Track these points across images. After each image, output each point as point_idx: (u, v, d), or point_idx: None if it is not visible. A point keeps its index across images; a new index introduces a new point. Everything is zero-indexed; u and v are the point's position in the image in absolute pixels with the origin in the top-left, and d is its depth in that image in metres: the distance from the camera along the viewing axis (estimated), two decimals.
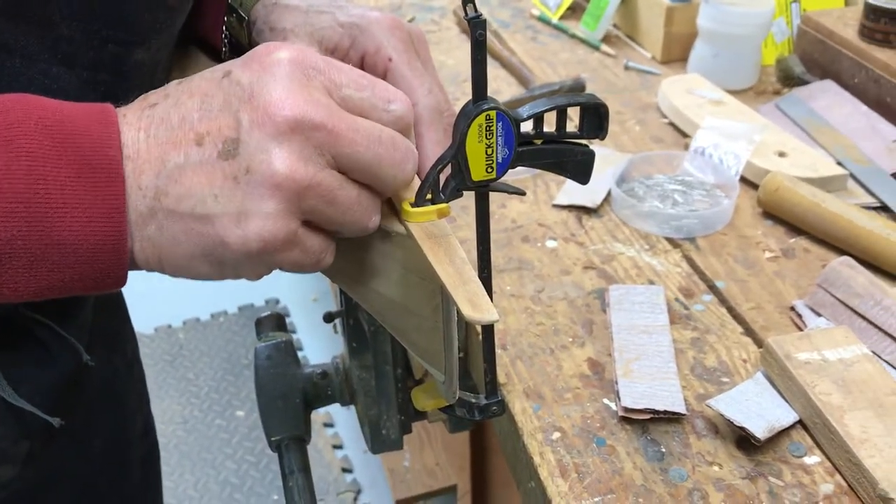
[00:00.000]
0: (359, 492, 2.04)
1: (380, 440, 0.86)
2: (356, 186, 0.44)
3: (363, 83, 0.44)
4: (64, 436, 0.70)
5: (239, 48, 0.63)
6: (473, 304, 0.42)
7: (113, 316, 0.82)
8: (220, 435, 2.17)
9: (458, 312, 0.42)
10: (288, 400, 0.88)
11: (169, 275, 0.45)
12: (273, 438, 0.88)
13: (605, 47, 1.22)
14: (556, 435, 0.63)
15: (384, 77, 0.56)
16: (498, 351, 0.69)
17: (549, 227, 0.85)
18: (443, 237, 0.47)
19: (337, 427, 2.20)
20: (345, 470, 2.09)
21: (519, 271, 0.79)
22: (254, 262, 0.44)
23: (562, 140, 0.50)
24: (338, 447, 2.15)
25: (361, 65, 0.57)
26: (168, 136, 0.42)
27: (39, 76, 0.49)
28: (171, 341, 2.46)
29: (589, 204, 0.88)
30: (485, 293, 0.43)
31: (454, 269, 0.44)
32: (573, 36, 1.27)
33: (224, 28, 0.63)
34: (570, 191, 0.90)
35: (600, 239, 0.84)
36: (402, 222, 0.49)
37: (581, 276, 0.79)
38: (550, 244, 0.83)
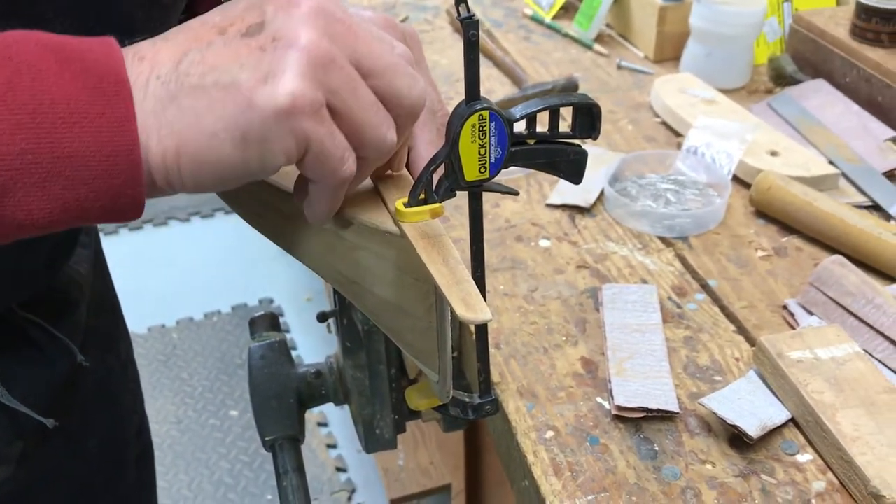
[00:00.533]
0: (353, 491, 2.04)
1: (374, 439, 0.86)
2: (373, 78, 0.43)
3: (381, 35, 0.45)
4: (58, 436, 0.70)
5: None
6: (467, 304, 0.42)
7: (106, 316, 0.82)
8: (214, 435, 2.17)
9: (452, 312, 0.42)
10: (282, 399, 0.88)
11: (186, 176, 0.42)
12: (267, 438, 0.88)
13: (597, 47, 1.23)
14: (550, 434, 0.63)
15: None
16: (491, 350, 0.69)
17: (543, 227, 0.86)
18: (436, 237, 0.47)
19: (331, 426, 2.19)
20: (339, 469, 2.09)
21: (512, 271, 0.80)
22: (282, 128, 0.41)
23: (554, 140, 0.50)
24: (332, 447, 2.15)
25: None
26: (188, 35, 0.42)
27: None
28: (165, 341, 2.46)
29: (582, 203, 0.88)
30: (478, 293, 0.43)
31: (448, 268, 0.44)
32: (566, 35, 1.27)
33: None
34: (563, 190, 0.90)
35: (593, 238, 0.84)
36: (396, 222, 0.49)
37: (574, 276, 0.79)
38: (544, 243, 0.83)
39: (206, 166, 0.41)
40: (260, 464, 2.09)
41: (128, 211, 0.42)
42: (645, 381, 0.66)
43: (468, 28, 0.45)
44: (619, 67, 1.18)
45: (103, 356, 0.79)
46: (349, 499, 2.03)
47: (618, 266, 0.80)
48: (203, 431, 2.18)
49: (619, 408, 0.64)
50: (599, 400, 0.66)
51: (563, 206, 0.88)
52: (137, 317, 0.86)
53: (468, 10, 0.45)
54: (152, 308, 2.51)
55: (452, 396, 0.56)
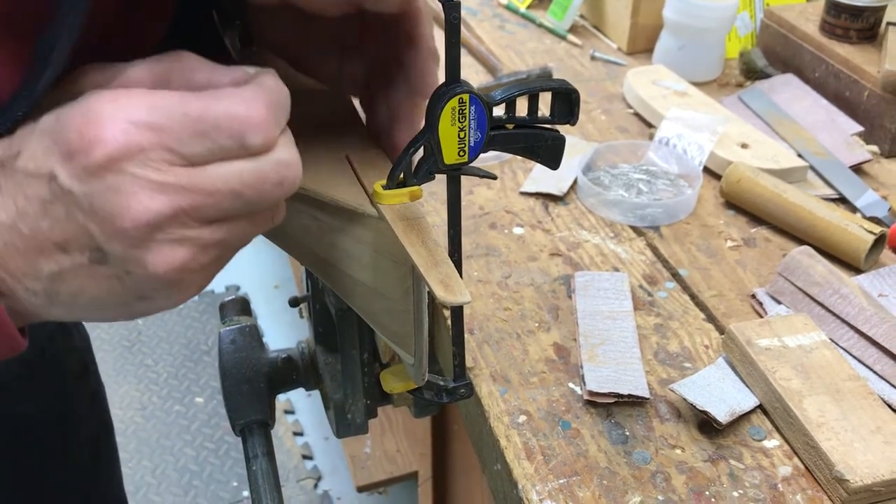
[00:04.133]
0: (319, 478, 2.04)
1: (345, 424, 0.86)
2: (242, 220, 0.42)
3: (203, 129, 0.39)
4: None
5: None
6: (446, 286, 0.42)
7: None
8: (178, 421, 2.16)
9: (430, 294, 0.43)
10: (252, 384, 0.88)
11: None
12: (237, 422, 0.87)
13: (571, 37, 1.23)
14: (523, 418, 0.64)
15: (404, 53, 0.52)
16: (465, 335, 0.70)
17: (516, 215, 0.86)
18: (415, 219, 0.47)
19: (297, 414, 2.19)
20: (305, 457, 2.08)
21: (486, 257, 0.80)
22: (180, 296, 0.43)
23: (533, 125, 0.50)
24: (298, 434, 2.14)
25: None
26: (26, 245, 0.40)
27: None
28: (130, 327, 2.43)
29: (555, 192, 0.88)
30: (457, 275, 0.43)
31: (426, 250, 0.44)
32: (540, 25, 1.28)
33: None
34: (536, 178, 0.91)
35: (566, 226, 0.85)
36: (374, 204, 0.49)
37: (547, 263, 0.79)
38: (517, 231, 0.84)
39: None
40: (225, 451, 2.08)
41: (10, 355, 0.43)
42: (616, 367, 0.67)
43: (449, 10, 0.45)
44: (593, 58, 1.18)
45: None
46: (315, 486, 2.02)
47: (590, 254, 0.81)
48: (168, 418, 2.16)
49: (591, 393, 0.64)
50: (571, 385, 0.67)
51: (537, 195, 0.89)
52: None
53: None
54: None
55: (427, 380, 0.56)
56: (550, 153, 0.51)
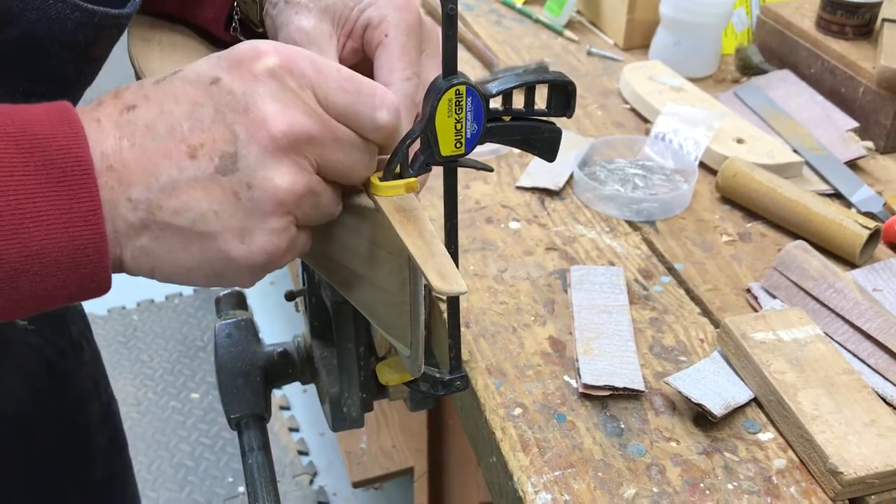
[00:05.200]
0: (315, 474, 2.04)
1: (341, 418, 0.86)
2: (330, 185, 0.46)
3: (349, 88, 0.43)
4: (4, 425, 0.68)
5: (247, 28, 0.61)
6: (442, 276, 0.42)
7: None
8: (174, 417, 2.15)
9: (427, 285, 0.43)
10: (248, 378, 0.88)
11: (159, 281, 0.45)
12: (233, 416, 0.87)
13: (568, 33, 1.23)
14: (518, 411, 0.64)
15: (375, 52, 0.55)
16: (461, 329, 0.70)
17: (512, 209, 0.86)
18: (411, 211, 0.47)
19: (293, 410, 2.19)
20: (301, 452, 2.08)
21: (482, 251, 0.80)
22: (256, 273, 0.44)
23: (530, 117, 0.50)
24: (294, 430, 2.14)
25: (363, 37, 0.56)
26: (157, 147, 0.41)
27: None
28: (125, 322, 2.43)
29: (551, 186, 0.89)
30: (453, 265, 0.43)
31: (423, 241, 0.44)
32: (537, 21, 1.28)
33: (235, 5, 0.61)
34: (533, 173, 0.91)
35: (562, 221, 0.85)
36: (371, 196, 0.49)
37: (543, 257, 0.80)
38: (513, 225, 0.84)
39: (179, 282, 0.44)
40: (221, 446, 2.08)
41: (95, 293, 0.43)
42: (612, 361, 0.67)
43: (447, 2, 0.45)
44: (589, 54, 1.19)
45: (53, 338, 0.77)
46: (311, 482, 2.03)
47: (586, 248, 0.81)
48: (163, 414, 2.16)
49: (586, 386, 0.65)
50: (567, 378, 0.67)
51: (533, 189, 0.89)
52: (97, 298, 0.83)
53: None
54: (112, 289, 2.46)
55: (423, 372, 0.56)
56: (547, 145, 0.51)
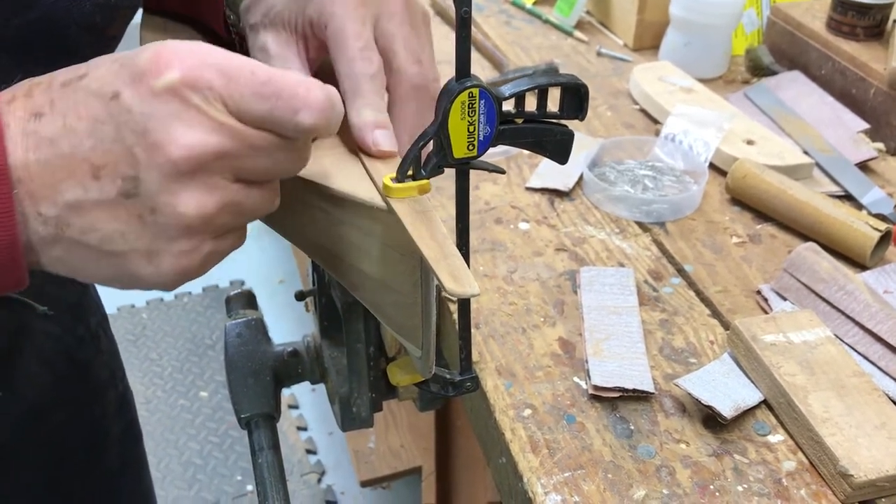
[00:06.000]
0: (323, 473, 2.05)
1: (350, 418, 0.86)
2: (257, 187, 0.44)
3: (266, 93, 0.41)
4: (16, 408, 0.68)
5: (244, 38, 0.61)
6: (455, 278, 0.42)
7: (74, 286, 0.80)
8: (183, 415, 2.16)
9: (439, 286, 0.43)
10: (258, 377, 0.88)
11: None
12: (243, 416, 0.88)
13: (578, 33, 1.23)
14: (528, 412, 0.64)
15: (377, 40, 0.54)
16: (471, 329, 0.70)
17: (522, 210, 0.86)
18: (424, 212, 0.47)
19: (302, 409, 2.20)
20: (309, 451, 2.09)
21: (492, 252, 0.80)
22: (170, 287, 0.44)
23: (542, 120, 0.50)
24: (302, 429, 2.15)
25: (314, 35, 0.55)
26: (61, 164, 0.40)
27: None
28: (135, 321, 2.44)
29: (561, 187, 0.89)
30: (466, 267, 0.43)
31: (436, 243, 0.45)
32: (546, 21, 1.28)
33: (226, 9, 0.61)
34: (542, 174, 0.91)
35: (572, 222, 0.85)
36: (384, 198, 0.49)
37: (553, 258, 0.80)
38: (523, 226, 0.84)
39: (101, 284, 0.44)
40: (230, 445, 2.09)
41: (12, 287, 0.42)
42: (621, 362, 0.67)
43: (460, 5, 0.45)
44: (599, 54, 1.19)
45: (73, 326, 0.78)
46: (319, 480, 2.03)
47: (595, 249, 0.81)
48: (172, 412, 2.17)
49: (596, 387, 0.65)
50: (576, 380, 0.67)
51: (543, 190, 0.89)
52: (107, 296, 0.85)
53: None
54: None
55: (433, 373, 0.56)
56: (559, 148, 0.51)
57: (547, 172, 0.91)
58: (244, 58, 0.41)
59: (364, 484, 1.83)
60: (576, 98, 0.50)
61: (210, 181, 0.41)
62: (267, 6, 0.56)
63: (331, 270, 0.57)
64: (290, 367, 0.91)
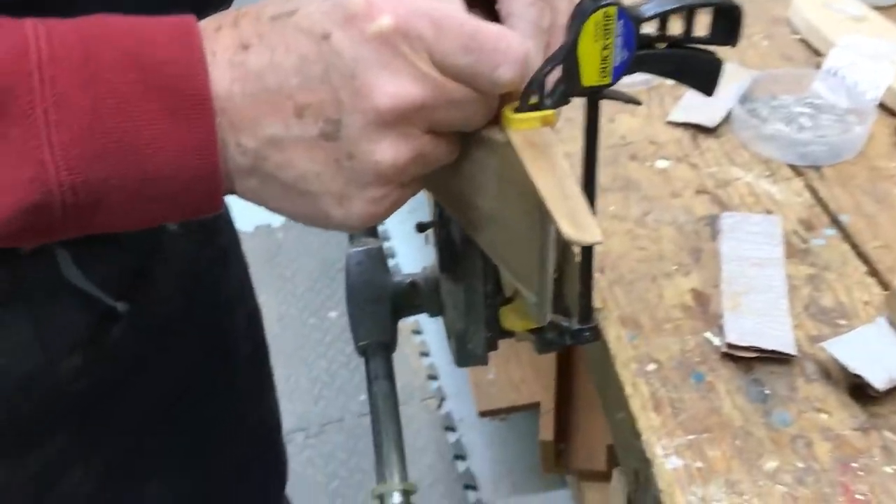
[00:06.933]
0: (443, 399, 2.07)
1: (465, 354, 0.84)
2: (444, 137, 0.43)
3: (471, 46, 0.40)
4: (149, 324, 0.70)
5: None
6: (575, 223, 0.38)
7: None
8: (313, 334, 2.22)
9: (557, 231, 0.39)
10: (376, 306, 0.87)
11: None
12: (360, 343, 0.87)
13: None
14: (652, 366, 0.59)
15: None
16: (595, 274, 0.65)
17: (661, 146, 0.80)
18: (546, 147, 0.43)
19: (425, 334, 2.21)
20: (430, 377, 2.11)
21: (624, 191, 0.75)
22: (356, 229, 0.47)
23: (688, 45, 0.44)
24: (425, 354, 2.17)
25: None
26: (266, 99, 0.40)
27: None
28: (270, 240, 2.51)
29: (706, 122, 0.81)
30: (588, 210, 0.39)
31: (555, 181, 0.40)
32: None
33: None
34: (686, 107, 0.84)
35: (716, 161, 0.78)
36: (503, 128, 0.45)
37: (692, 201, 0.73)
38: (661, 164, 0.78)
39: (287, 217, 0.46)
40: (356, 365, 2.13)
41: (208, 212, 0.44)
42: (760, 319, 0.61)
43: None
44: None
45: (204, 245, 0.78)
46: (439, 406, 2.05)
47: (740, 193, 0.74)
48: (303, 330, 2.23)
49: (731, 345, 0.59)
50: (708, 335, 0.62)
51: (686, 125, 0.82)
52: (245, 215, 0.86)
53: None
54: (259, 207, 2.56)
55: (550, 320, 0.52)
56: (705, 77, 0.45)
57: (691, 105, 0.84)
58: (452, 6, 0.41)
59: (482, 414, 1.83)
60: (728, 21, 0.44)
61: (407, 131, 0.41)
62: None
63: (446, 205, 0.54)
64: (408, 299, 0.89)
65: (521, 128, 0.44)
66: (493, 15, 0.53)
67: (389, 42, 0.39)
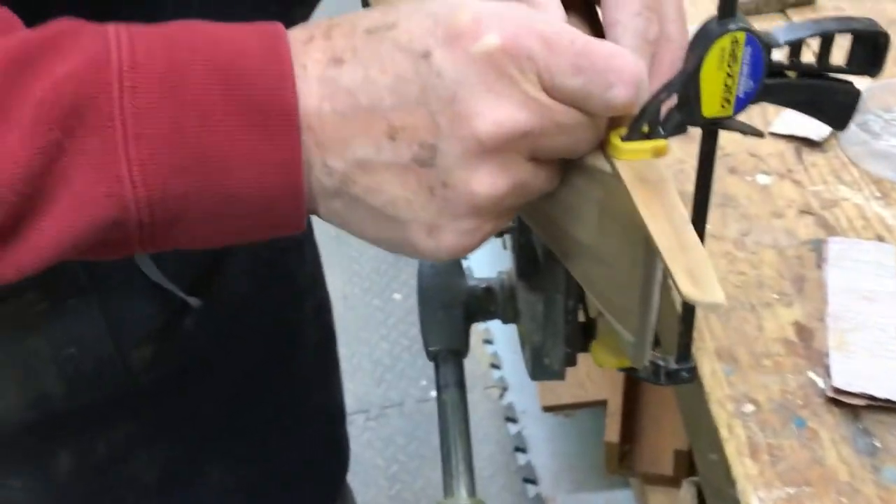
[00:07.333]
0: (505, 389, 2.04)
1: (541, 368, 0.80)
2: (546, 165, 0.41)
3: (582, 65, 0.37)
4: (219, 317, 0.69)
5: None
6: (695, 279, 0.34)
7: None
8: (376, 315, 2.21)
9: (674, 285, 0.35)
10: (449, 311, 0.85)
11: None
12: (431, 348, 0.85)
13: None
14: (750, 408, 0.55)
15: None
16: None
17: (763, 159, 0.74)
18: (659, 184, 0.39)
19: (488, 323, 2.18)
20: (493, 366, 2.08)
21: (722, 208, 0.70)
22: (442, 260, 0.45)
23: (823, 74, 0.40)
24: (488, 342, 2.14)
25: None
26: (357, 118, 0.38)
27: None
28: None
29: (813, 136, 0.76)
30: (709, 265, 0.35)
31: (672, 228, 0.36)
32: None
33: None
34: (790, 118, 0.78)
35: (822, 179, 0.72)
36: (608, 157, 0.41)
37: (795, 222, 0.68)
38: (762, 179, 0.72)
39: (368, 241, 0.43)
40: (419, 349, 2.10)
41: (288, 231, 0.42)
42: (871, 361, 0.56)
43: None
44: None
45: (275, 239, 0.77)
46: (501, 396, 2.03)
47: (849, 216, 0.69)
48: (366, 311, 2.22)
49: (837, 390, 0.55)
50: (812, 375, 0.57)
51: (790, 137, 0.76)
52: None
53: None
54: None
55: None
56: (839, 110, 0.41)
57: (796, 116, 0.78)
58: (562, 23, 0.39)
59: (546, 409, 1.80)
60: (871, 48, 0.39)
61: (508, 160, 0.39)
62: None
63: (535, 228, 0.50)
64: (483, 304, 0.86)
65: (631, 158, 0.40)
66: (593, 18, 0.49)
67: (495, 63, 0.36)
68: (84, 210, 0.37)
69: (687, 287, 0.34)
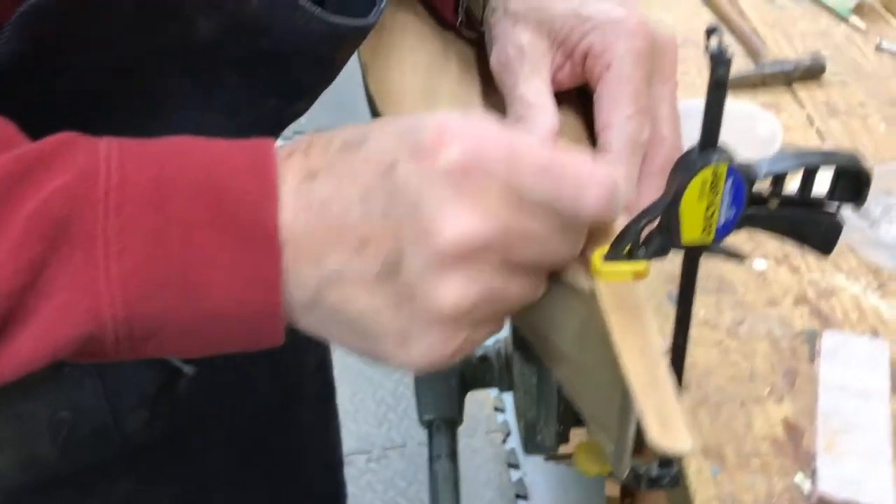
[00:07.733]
0: (508, 434, 2.02)
1: (534, 443, 0.80)
2: (522, 276, 0.39)
3: (548, 175, 0.37)
4: (215, 380, 0.69)
5: (473, 21, 0.59)
6: (662, 423, 0.34)
7: None
8: None
9: (642, 427, 0.35)
10: (445, 381, 0.85)
11: None
12: (425, 417, 0.85)
13: (854, 19, 1.05)
14: None
15: (596, 84, 0.49)
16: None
17: (760, 243, 0.74)
18: (636, 312, 0.39)
19: None
20: (497, 409, 2.07)
21: (717, 294, 0.70)
22: (420, 371, 0.41)
23: (805, 205, 0.40)
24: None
25: (583, 63, 0.50)
26: (328, 230, 0.38)
27: (196, 124, 0.46)
28: None
29: None
30: (678, 409, 0.35)
31: (644, 363, 0.36)
32: (817, 1, 1.10)
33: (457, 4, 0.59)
34: None
35: (819, 266, 0.72)
36: (588, 276, 0.41)
37: (790, 311, 0.68)
38: (758, 265, 0.72)
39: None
40: None
41: (266, 345, 0.42)
42: (860, 465, 0.56)
43: (718, 65, 0.35)
44: (879, 49, 1.01)
45: None
46: (504, 441, 2.01)
47: (845, 307, 0.68)
48: None
49: (823, 499, 0.54)
50: (798, 479, 0.56)
51: None
52: None
53: (720, 44, 0.35)
54: None
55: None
56: (822, 239, 0.41)
57: None
58: (525, 135, 0.39)
59: (549, 457, 1.79)
60: (854, 182, 0.39)
61: (475, 270, 0.38)
62: (541, 4, 0.53)
63: (522, 329, 0.50)
64: (478, 373, 0.86)
65: (611, 280, 0.40)
66: (589, 118, 0.50)
67: (458, 175, 0.36)
68: (63, 325, 0.37)
69: (654, 432, 0.34)
